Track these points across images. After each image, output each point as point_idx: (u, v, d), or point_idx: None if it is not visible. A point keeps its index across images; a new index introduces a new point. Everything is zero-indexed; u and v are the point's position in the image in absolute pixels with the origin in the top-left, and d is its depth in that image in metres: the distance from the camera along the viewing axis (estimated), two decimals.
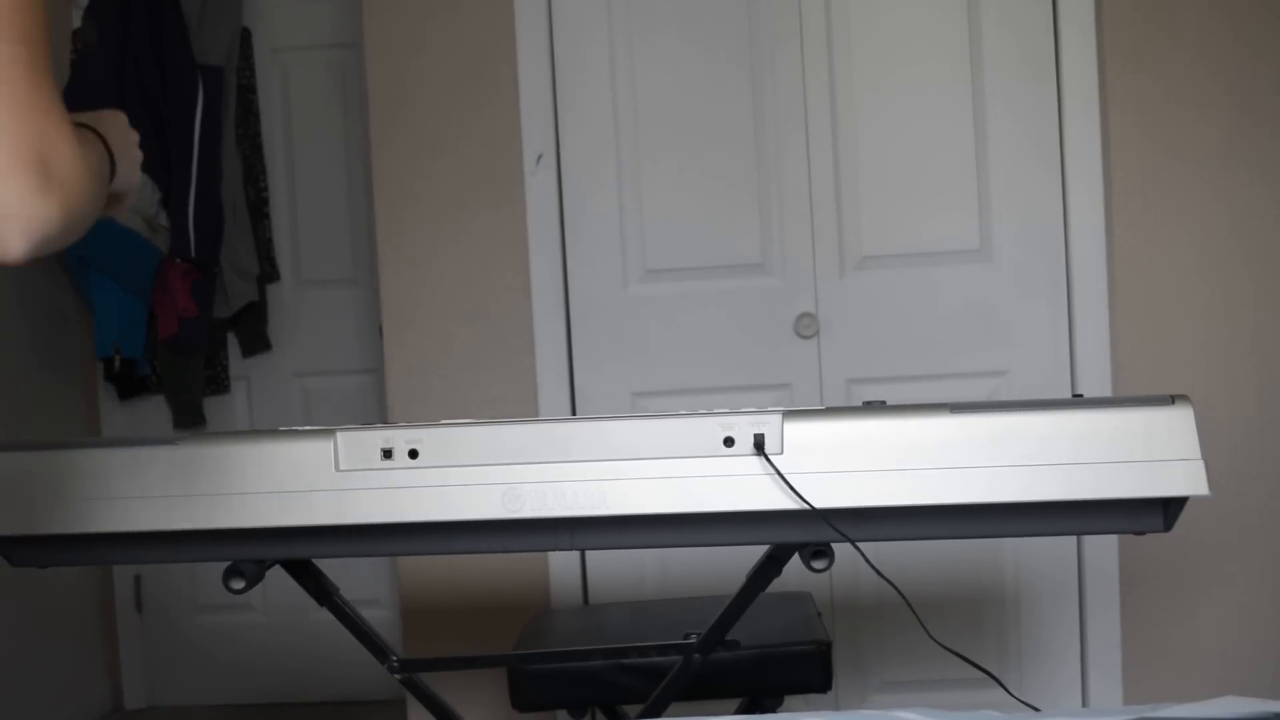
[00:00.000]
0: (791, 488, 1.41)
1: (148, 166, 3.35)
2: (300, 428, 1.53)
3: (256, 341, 3.64)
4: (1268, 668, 2.72)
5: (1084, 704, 2.79)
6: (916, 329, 2.78)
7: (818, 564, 1.48)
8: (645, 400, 2.82)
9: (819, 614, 2.17)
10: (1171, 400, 1.41)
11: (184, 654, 3.68)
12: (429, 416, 2.65)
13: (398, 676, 1.78)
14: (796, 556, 1.54)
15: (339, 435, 1.49)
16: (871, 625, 2.83)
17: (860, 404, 1.51)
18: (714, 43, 2.79)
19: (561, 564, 2.82)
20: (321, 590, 1.73)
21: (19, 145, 0.87)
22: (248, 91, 3.57)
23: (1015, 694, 1.78)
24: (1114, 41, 2.69)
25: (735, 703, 2.03)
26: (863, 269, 2.80)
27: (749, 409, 1.45)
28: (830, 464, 1.42)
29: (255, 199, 3.58)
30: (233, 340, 3.65)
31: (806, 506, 1.41)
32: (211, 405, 3.62)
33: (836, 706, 2.77)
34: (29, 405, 3.31)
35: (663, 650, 1.81)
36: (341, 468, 1.48)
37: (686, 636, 1.73)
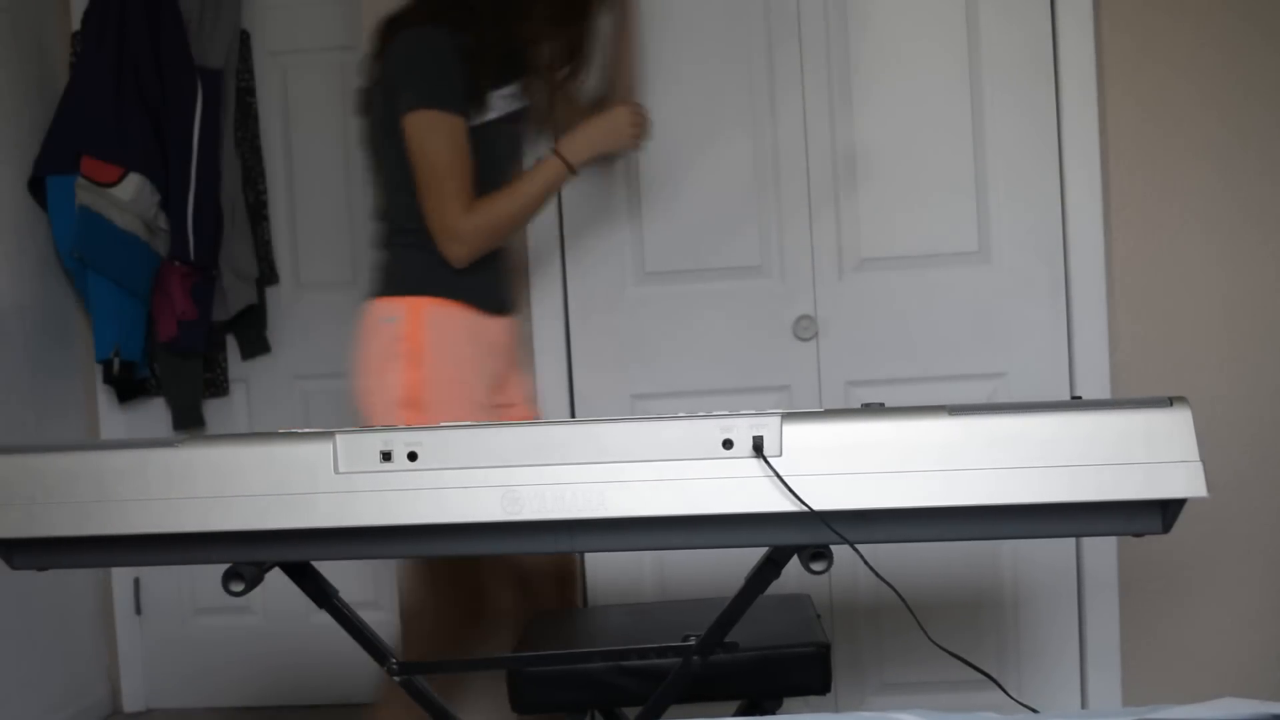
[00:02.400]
0: (790, 490, 1.41)
1: (148, 169, 3.35)
2: (299, 430, 1.53)
3: (256, 344, 3.64)
4: (1266, 669, 2.72)
5: (1083, 706, 2.79)
6: (915, 331, 2.78)
7: (816, 566, 1.48)
8: (644, 402, 2.83)
9: (818, 616, 2.17)
10: (1170, 402, 1.41)
11: (183, 656, 3.67)
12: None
13: (397, 679, 1.78)
14: (795, 558, 1.54)
15: (338, 438, 1.49)
16: (870, 627, 2.83)
17: (859, 406, 1.51)
18: (712, 44, 2.80)
19: None
20: (320, 592, 1.73)
21: (432, 224, 2.23)
22: (246, 94, 3.57)
23: (1014, 696, 1.79)
24: (1113, 42, 2.69)
25: (734, 705, 2.03)
26: (861, 271, 2.80)
27: (748, 411, 1.45)
28: (829, 466, 1.42)
29: (254, 201, 3.59)
30: (232, 343, 3.65)
31: (805, 509, 1.41)
32: (211, 408, 3.62)
33: (835, 709, 2.77)
34: (28, 408, 3.31)
35: (662, 652, 1.81)
36: (341, 470, 1.48)
37: (685, 639, 1.73)
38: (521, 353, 2.81)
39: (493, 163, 2.28)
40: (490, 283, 2.35)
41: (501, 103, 2.29)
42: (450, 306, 2.27)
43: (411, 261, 2.30)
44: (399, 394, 2.24)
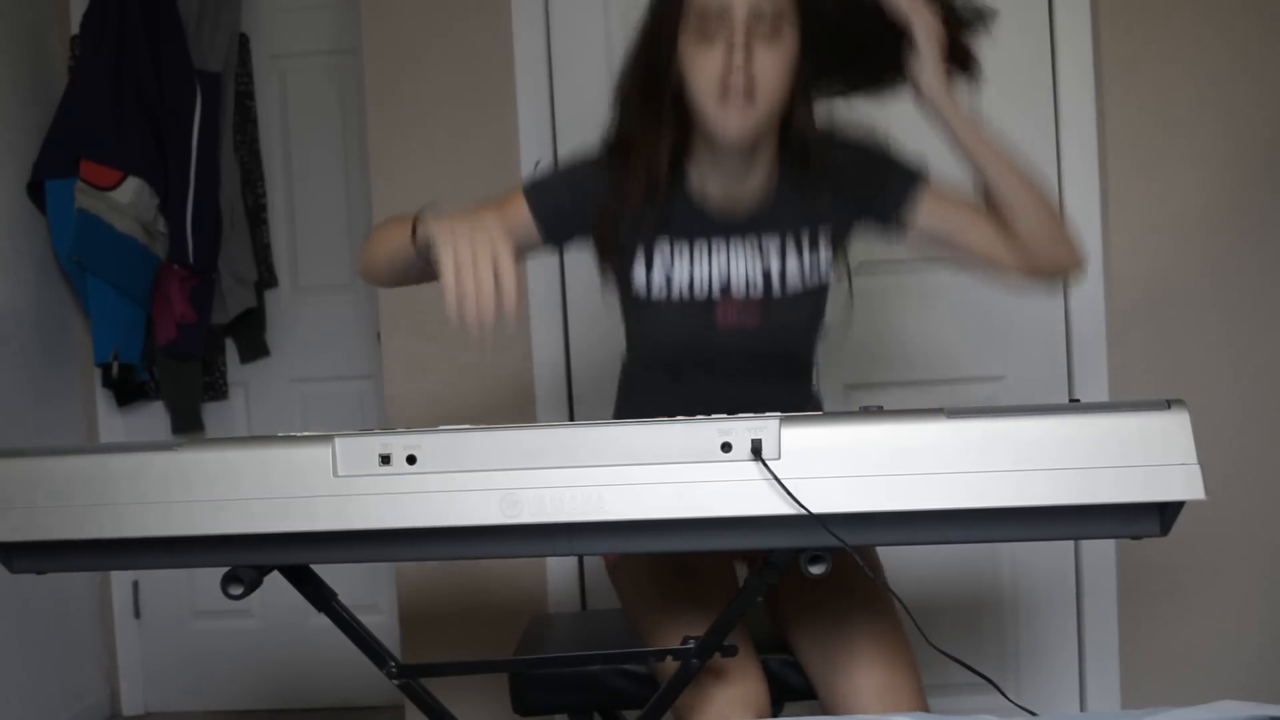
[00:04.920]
0: (789, 493, 1.41)
1: (147, 173, 3.36)
2: (298, 433, 1.53)
3: (255, 347, 3.64)
4: (1265, 671, 2.72)
5: (1082, 708, 2.79)
6: (913, 334, 2.78)
7: (815, 569, 1.48)
8: None
9: None
10: (1168, 405, 1.41)
11: (182, 660, 3.67)
12: (427, 422, 2.65)
13: (396, 682, 1.78)
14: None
15: (337, 441, 1.49)
16: None
17: (857, 409, 1.51)
18: None
19: (559, 569, 2.82)
20: (319, 595, 1.73)
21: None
22: (245, 98, 3.58)
23: (1013, 698, 1.79)
24: (1111, 42, 2.69)
25: None
26: (859, 274, 2.79)
27: (746, 414, 1.45)
28: (827, 469, 1.42)
29: (253, 205, 3.59)
30: (231, 346, 3.65)
31: (803, 511, 1.41)
32: (210, 411, 3.63)
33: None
34: (27, 411, 3.31)
35: (661, 655, 1.81)
36: (340, 473, 1.48)
37: (685, 641, 1.73)
38: (520, 355, 2.81)
39: None
40: None
41: None
42: None
43: None
44: None
